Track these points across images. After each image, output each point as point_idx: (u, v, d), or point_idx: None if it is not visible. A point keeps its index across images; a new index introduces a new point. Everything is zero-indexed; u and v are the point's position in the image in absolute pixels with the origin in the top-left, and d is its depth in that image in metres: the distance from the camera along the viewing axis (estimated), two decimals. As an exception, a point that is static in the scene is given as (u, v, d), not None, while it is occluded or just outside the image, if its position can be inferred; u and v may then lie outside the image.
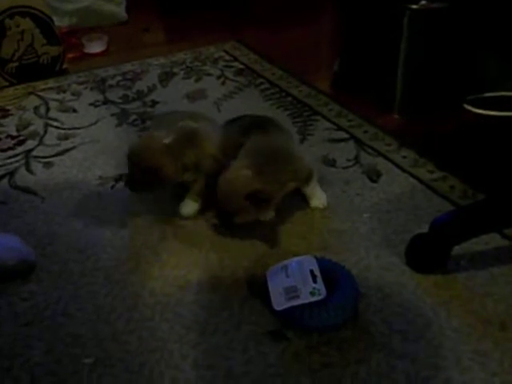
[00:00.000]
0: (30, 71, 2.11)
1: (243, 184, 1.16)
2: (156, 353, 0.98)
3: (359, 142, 1.59)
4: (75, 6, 2.59)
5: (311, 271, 1.04)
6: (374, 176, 1.44)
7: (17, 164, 1.59)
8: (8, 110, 1.91)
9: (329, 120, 1.72)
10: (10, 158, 1.62)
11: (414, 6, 1.57)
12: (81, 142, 1.68)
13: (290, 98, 1.88)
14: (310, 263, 1.06)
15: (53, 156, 1.62)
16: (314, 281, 1.02)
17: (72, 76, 2.16)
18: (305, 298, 0.99)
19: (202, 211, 1.33)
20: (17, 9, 2.00)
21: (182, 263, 1.19)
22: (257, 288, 1.09)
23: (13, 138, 1.73)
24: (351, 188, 1.40)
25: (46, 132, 1.75)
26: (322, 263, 1.08)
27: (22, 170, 1.55)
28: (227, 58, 2.25)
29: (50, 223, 1.33)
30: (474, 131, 1.60)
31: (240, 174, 1.18)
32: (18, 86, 2.09)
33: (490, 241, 1.18)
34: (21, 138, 1.73)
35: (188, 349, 0.99)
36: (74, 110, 1.89)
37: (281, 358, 0.96)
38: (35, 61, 2.11)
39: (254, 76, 2.07)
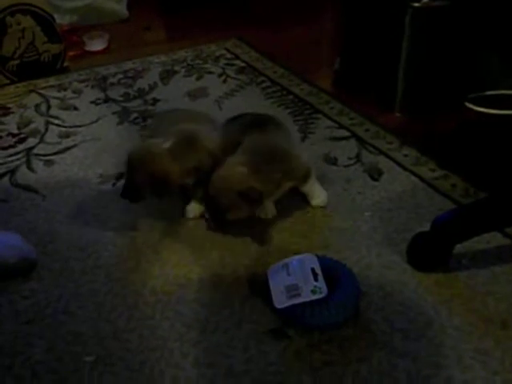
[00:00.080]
0: (31, 69, 2.11)
1: (237, 181, 1.16)
2: (156, 351, 0.98)
3: (361, 141, 1.59)
4: (76, 4, 2.59)
5: (312, 269, 1.04)
6: (375, 174, 1.44)
7: (18, 162, 1.59)
8: (9, 108, 1.91)
9: (330, 118, 1.72)
10: (10, 155, 1.62)
11: (416, 4, 1.57)
12: (82, 140, 1.68)
13: (291, 97, 1.88)
14: (311, 261, 1.06)
15: (54, 154, 1.62)
16: (316, 279, 1.02)
17: (73, 74, 2.16)
18: (306, 297, 0.99)
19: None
20: (18, 6, 2.00)
21: (182, 261, 1.19)
22: (258, 286, 1.09)
23: (14, 135, 1.73)
24: (352, 186, 1.39)
25: (46, 130, 1.75)
26: (324, 261, 1.07)
27: (23, 168, 1.55)
28: (228, 56, 2.25)
29: (50, 221, 1.33)
30: (475, 129, 1.60)
31: (235, 170, 1.18)
32: (18, 84, 2.09)
33: (491, 239, 1.18)
34: (22, 135, 1.73)
35: (189, 347, 0.99)
36: (75, 108, 1.89)
37: (282, 357, 0.96)
38: (36, 59, 2.11)
39: (255, 74, 2.07)
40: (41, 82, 2.09)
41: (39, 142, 1.68)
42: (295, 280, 1.03)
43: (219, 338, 1.00)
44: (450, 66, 1.65)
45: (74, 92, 2.00)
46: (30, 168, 1.55)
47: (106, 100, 1.93)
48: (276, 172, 1.20)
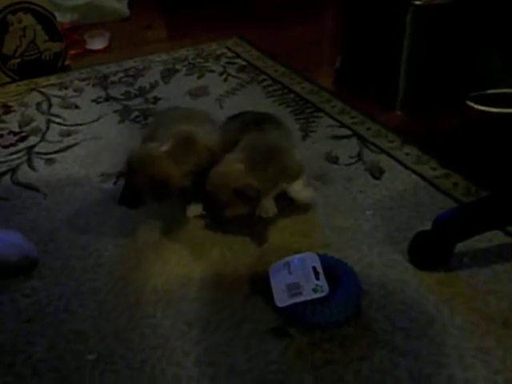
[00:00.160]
0: (32, 67, 2.11)
1: (235, 178, 1.15)
2: (158, 350, 0.98)
3: (362, 139, 1.59)
4: (77, 2, 2.59)
5: (314, 268, 1.04)
6: (376, 173, 1.43)
7: (19, 160, 1.59)
8: (10, 107, 1.91)
9: (332, 117, 1.72)
10: (12, 154, 1.62)
11: (418, 2, 1.56)
12: (83, 139, 1.68)
13: (292, 95, 1.88)
14: (312, 260, 1.06)
15: (55, 152, 1.62)
16: (317, 278, 1.02)
17: (74, 72, 2.16)
18: (307, 295, 0.99)
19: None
20: (19, 5, 2.00)
21: (184, 260, 1.19)
22: (259, 285, 1.09)
23: (15, 134, 1.73)
24: (354, 185, 1.39)
25: (48, 128, 1.75)
26: (325, 260, 1.07)
27: (24, 167, 1.55)
28: (229, 54, 2.24)
29: (52, 220, 1.33)
30: (476, 128, 1.60)
31: (232, 167, 1.17)
32: (20, 83, 2.09)
33: (493, 238, 1.18)
34: (23, 134, 1.73)
35: (190, 346, 0.99)
36: (76, 107, 1.89)
37: (283, 355, 0.96)
38: (37, 57, 2.11)
39: (256, 73, 2.06)
40: (42, 81, 2.09)
41: (40, 141, 1.68)
42: (296, 279, 1.03)
43: (220, 337, 1.00)
44: (451, 64, 1.65)
45: (75, 90, 2.00)
46: (31, 166, 1.55)
47: (107, 98, 1.93)
48: (273, 170, 1.19)
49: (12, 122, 1.81)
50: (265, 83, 1.98)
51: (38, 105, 1.91)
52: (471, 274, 1.10)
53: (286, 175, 1.23)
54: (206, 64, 2.16)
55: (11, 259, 1.15)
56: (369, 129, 1.64)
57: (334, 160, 1.50)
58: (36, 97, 1.97)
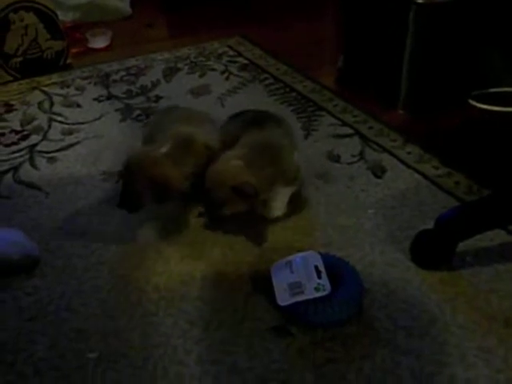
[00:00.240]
0: (34, 66, 2.11)
1: (232, 175, 1.15)
2: (160, 348, 0.98)
3: (364, 138, 1.59)
4: (79, 1, 2.59)
5: (316, 267, 1.04)
6: (378, 172, 1.43)
7: (21, 159, 1.59)
8: (12, 105, 1.91)
9: (333, 116, 1.72)
10: (14, 152, 1.62)
11: (420, 1, 1.56)
12: (85, 137, 1.68)
13: (294, 94, 1.88)
14: (314, 259, 1.06)
15: (57, 151, 1.62)
16: (319, 276, 1.02)
17: (76, 71, 2.16)
18: (309, 294, 0.99)
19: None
20: (21, 3, 2.00)
21: (185, 259, 1.19)
22: (261, 284, 1.09)
23: (17, 132, 1.73)
24: (356, 184, 1.39)
25: (50, 127, 1.75)
26: (327, 259, 1.07)
27: (26, 165, 1.55)
28: (231, 53, 2.24)
29: (53, 218, 1.33)
30: (478, 127, 1.60)
31: (230, 164, 1.17)
32: (22, 81, 2.09)
33: (495, 237, 1.18)
34: (25, 132, 1.73)
35: (192, 344, 0.99)
36: (78, 105, 1.89)
37: (285, 354, 0.96)
38: (39, 56, 2.12)
39: (258, 71, 2.06)
40: (44, 79, 2.09)
41: (42, 139, 1.68)
42: (298, 277, 1.03)
43: (222, 335, 1.00)
44: (453, 63, 1.65)
45: (76, 89, 2.00)
46: (33, 165, 1.55)
47: (109, 97, 1.93)
48: (271, 170, 1.19)
49: (14, 120, 1.81)
50: (266, 82, 1.97)
51: (40, 103, 1.91)
52: (473, 273, 1.10)
53: (283, 177, 1.23)
54: (208, 63, 2.16)
55: (13, 257, 1.15)
56: (371, 128, 1.64)
57: (336, 159, 1.50)
58: (38, 95, 1.97)
